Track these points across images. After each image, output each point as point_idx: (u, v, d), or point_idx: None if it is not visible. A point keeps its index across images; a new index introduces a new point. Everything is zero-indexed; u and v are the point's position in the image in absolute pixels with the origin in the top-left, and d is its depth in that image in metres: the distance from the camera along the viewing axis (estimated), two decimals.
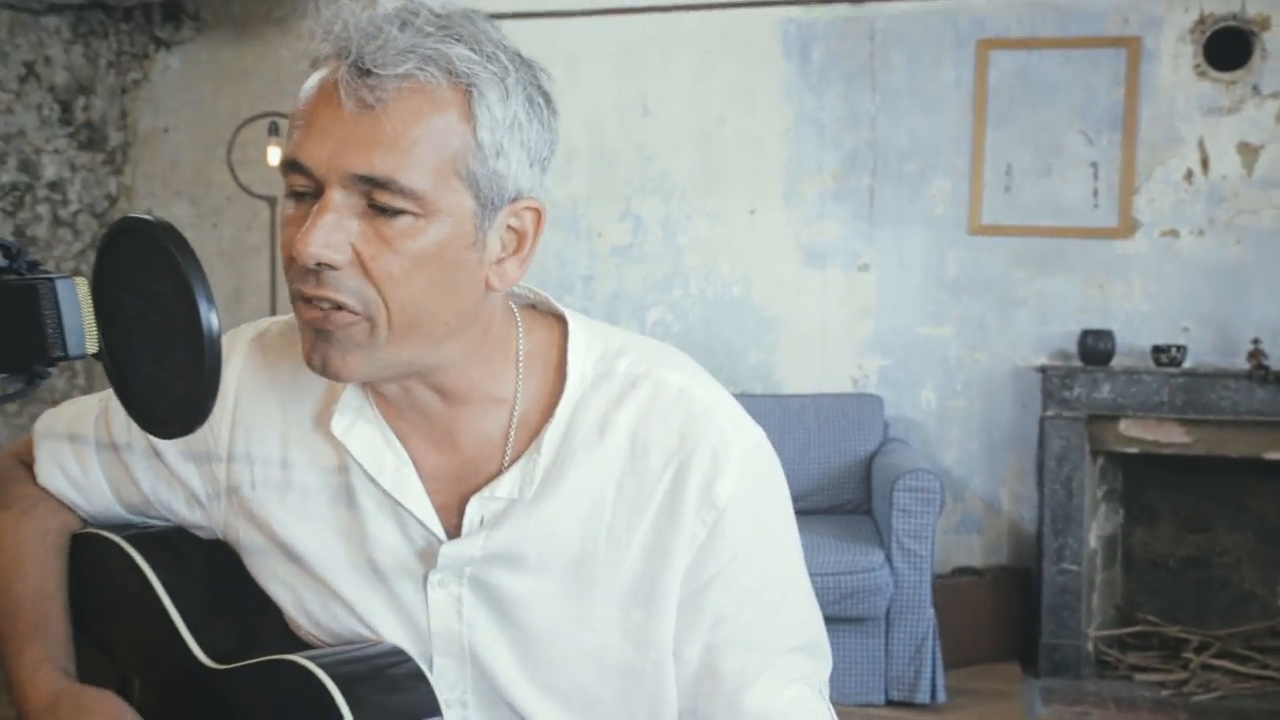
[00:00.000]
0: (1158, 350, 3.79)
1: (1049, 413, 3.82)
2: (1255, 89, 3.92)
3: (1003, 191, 4.12)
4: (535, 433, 1.01)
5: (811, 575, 3.80)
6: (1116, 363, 3.87)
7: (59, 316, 0.68)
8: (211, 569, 1.12)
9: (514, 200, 0.95)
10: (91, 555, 1.15)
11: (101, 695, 1.05)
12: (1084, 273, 4.05)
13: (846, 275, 4.28)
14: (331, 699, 0.94)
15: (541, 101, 0.96)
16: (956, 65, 4.16)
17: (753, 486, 1.02)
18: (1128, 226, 4.01)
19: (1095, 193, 4.04)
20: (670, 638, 1.02)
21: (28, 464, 1.18)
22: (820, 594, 3.74)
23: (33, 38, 4.83)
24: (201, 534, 1.14)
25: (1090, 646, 3.83)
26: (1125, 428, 3.79)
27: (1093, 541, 3.90)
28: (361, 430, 1.02)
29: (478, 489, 1.02)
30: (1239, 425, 3.69)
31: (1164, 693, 3.62)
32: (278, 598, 1.10)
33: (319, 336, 0.93)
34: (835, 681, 3.61)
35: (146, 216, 0.71)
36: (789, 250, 4.34)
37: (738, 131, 4.37)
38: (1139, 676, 3.75)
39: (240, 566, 1.11)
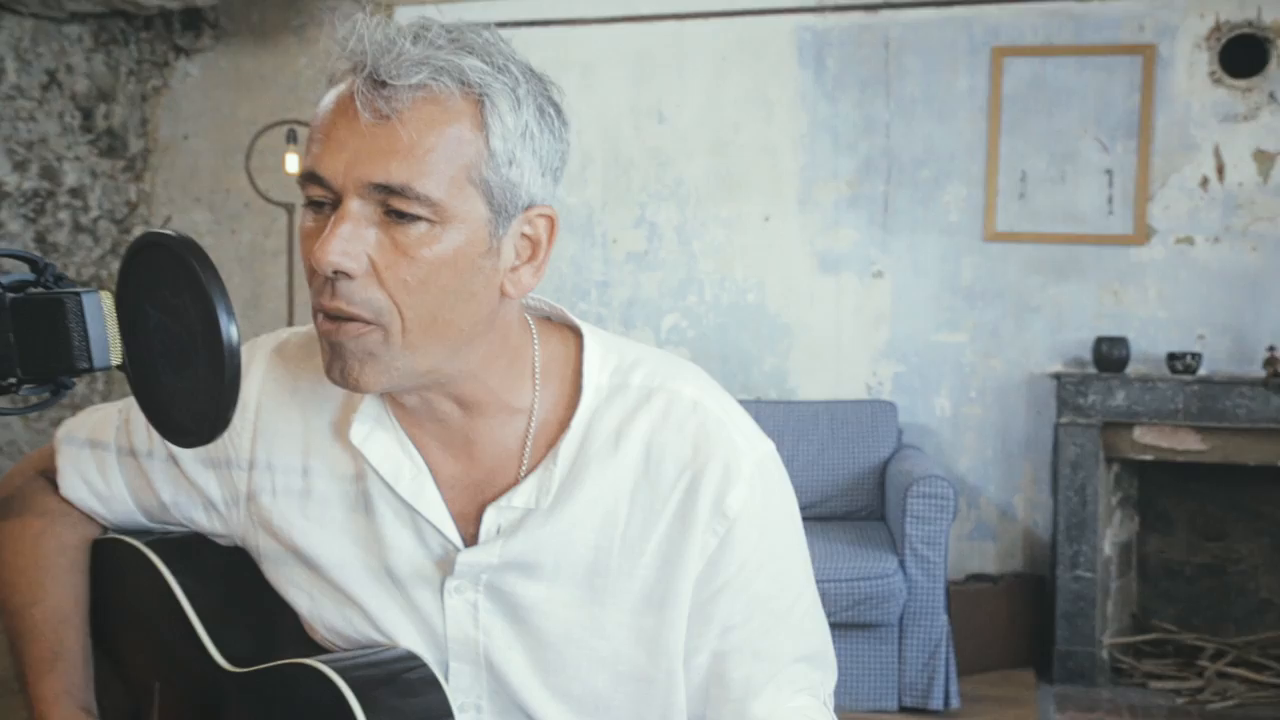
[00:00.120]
0: (1173, 357, 3.79)
1: (1063, 420, 3.82)
2: (1271, 96, 3.91)
3: (1017, 198, 4.12)
4: (551, 443, 1.03)
5: (825, 581, 3.80)
6: (1131, 370, 3.87)
7: (84, 329, 0.70)
8: (230, 574, 1.14)
9: (527, 208, 0.97)
10: (113, 560, 1.17)
11: None
12: (1099, 280, 4.05)
13: (861, 282, 4.29)
14: (346, 703, 0.95)
15: (552, 112, 0.98)
16: (971, 72, 4.16)
17: (763, 498, 1.04)
18: (1143, 233, 4.01)
19: (1110, 200, 4.04)
20: (681, 645, 1.04)
21: (48, 474, 1.20)
22: (834, 600, 3.73)
23: (55, 46, 4.88)
24: (220, 541, 1.16)
25: (1105, 654, 3.82)
26: (1140, 435, 3.78)
27: (1107, 548, 3.90)
28: (380, 439, 1.04)
29: (494, 498, 1.03)
30: (1255, 433, 3.68)
31: (1179, 700, 3.61)
32: (295, 603, 1.11)
33: (336, 349, 0.95)
34: (849, 687, 3.59)
35: (168, 232, 0.73)
36: (804, 257, 4.35)
37: (752, 138, 4.39)
38: (1154, 684, 3.74)
39: (258, 572, 1.13)
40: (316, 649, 1.11)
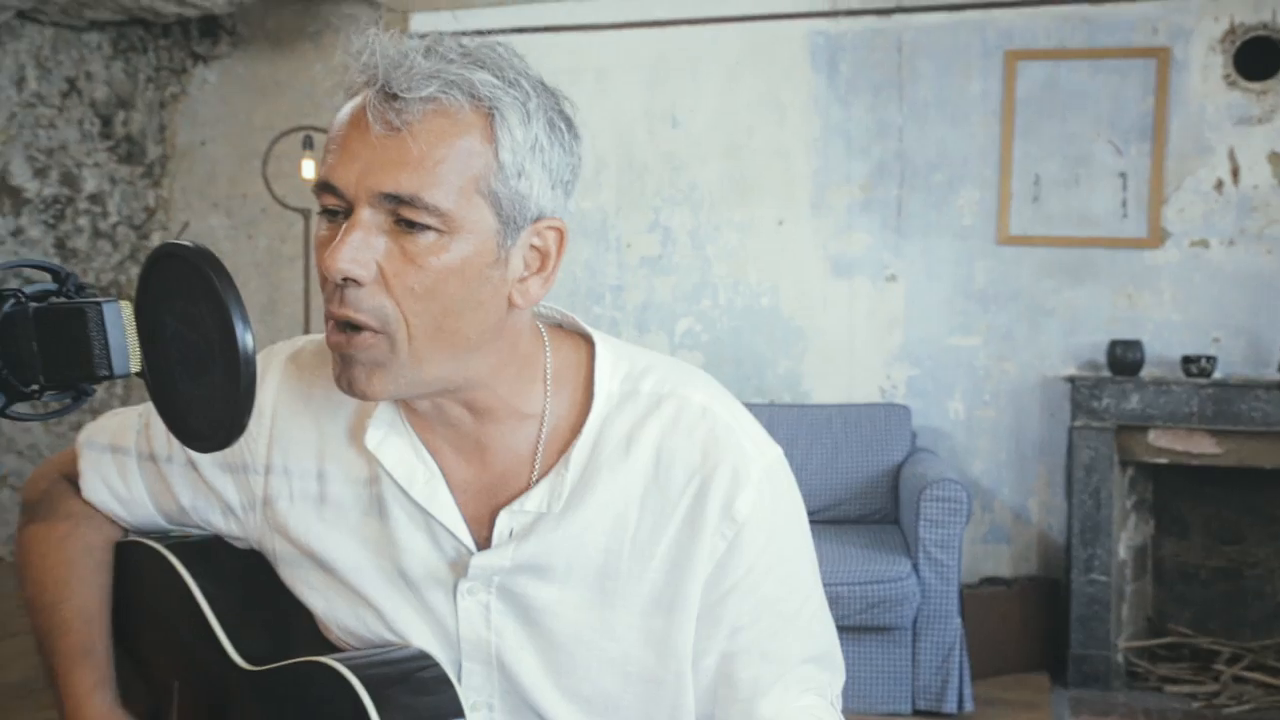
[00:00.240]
0: (1187, 361, 3.78)
1: (1077, 423, 3.82)
2: None
3: (1031, 202, 4.12)
4: (563, 449, 1.05)
5: (839, 584, 3.81)
6: (1145, 373, 3.86)
7: (105, 337, 0.72)
8: (247, 576, 1.17)
9: (536, 220, 0.99)
10: (135, 562, 1.20)
11: None
12: (1113, 283, 4.05)
13: (874, 285, 4.30)
14: (360, 700, 0.97)
15: (563, 126, 1.00)
16: (984, 76, 4.17)
17: (771, 502, 1.06)
18: (1157, 236, 4.00)
19: (1124, 203, 4.04)
20: (690, 647, 1.06)
21: (70, 478, 1.23)
22: (847, 603, 3.74)
23: (74, 54, 4.94)
24: (237, 544, 1.19)
25: (1120, 657, 3.82)
26: (1154, 438, 3.78)
27: (1122, 552, 3.89)
28: (393, 444, 1.06)
29: (506, 502, 1.05)
30: (1270, 436, 3.67)
31: (1195, 705, 3.60)
32: (310, 605, 1.14)
33: (345, 360, 0.97)
34: (862, 690, 3.60)
35: (185, 243, 0.75)
36: (817, 261, 4.36)
37: (766, 143, 4.40)
38: (1169, 688, 3.73)
39: (274, 574, 1.15)
40: (331, 649, 1.13)
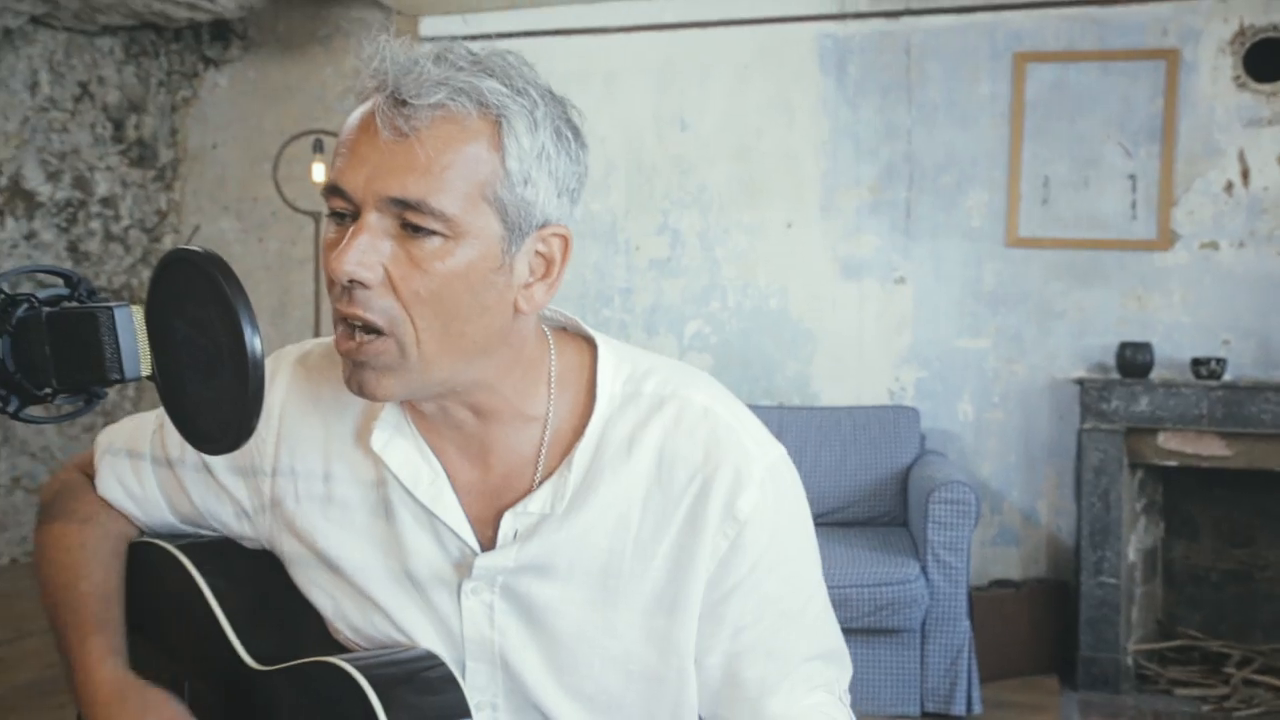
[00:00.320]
0: (1197, 363, 3.77)
1: (1087, 425, 3.81)
2: None
3: (1040, 204, 4.12)
4: (566, 450, 1.06)
5: (847, 587, 3.81)
6: (1155, 375, 3.86)
7: (116, 341, 0.74)
8: (257, 577, 1.18)
9: (542, 226, 1.00)
10: (147, 562, 1.21)
11: (165, 695, 1.10)
12: (1122, 285, 4.04)
13: (883, 287, 4.30)
14: (367, 699, 0.99)
15: (570, 134, 1.01)
16: (993, 78, 4.17)
17: (774, 501, 1.06)
18: (1166, 239, 4.00)
19: (1133, 205, 4.03)
20: (692, 645, 1.07)
21: (90, 476, 1.25)
22: (856, 605, 3.74)
23: (87, 58, 4.97)
24: (248, 544, 1.20)
25: (1130, 660, 3.81)
26: (1164, 440, 3.77)
27: (1132, 554, 3.88)
28: (399, 446, 1.07)
29: (511, 503, 1.07)
30: None
31: (1205, 708, 3.59)
32: (319, 605, 1.15)
33: (356, 365, 0.98)
34: (871, 692, 3.60)
35: (195, 248, 0.77)
36: (826, 263, 4.36)
37: (775, 145, 4.41)
38: (1179, 691, 3.72)
39: (284, 574, 1.17)
40: (339, 648, 1.14)
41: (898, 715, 3.44)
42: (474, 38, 4.88)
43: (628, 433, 1.06)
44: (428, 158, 0.93)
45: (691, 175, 4.50)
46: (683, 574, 1.05)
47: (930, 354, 4.24)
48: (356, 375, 0.98)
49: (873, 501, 3.98)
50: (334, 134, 4.51)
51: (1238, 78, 3.94)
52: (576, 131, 1.02)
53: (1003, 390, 4.17)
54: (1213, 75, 3.96)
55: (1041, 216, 4.12)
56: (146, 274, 5.19)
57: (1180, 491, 4.01)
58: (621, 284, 4.58)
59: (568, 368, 1.08)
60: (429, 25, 4.73)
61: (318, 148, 4.47)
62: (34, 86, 4.81)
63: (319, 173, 4.48)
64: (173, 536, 1.22)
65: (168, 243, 5.28)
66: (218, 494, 1.18)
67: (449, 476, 1.08)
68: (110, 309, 0.74)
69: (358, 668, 1.01)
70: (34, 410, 0.78)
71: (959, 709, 3.42)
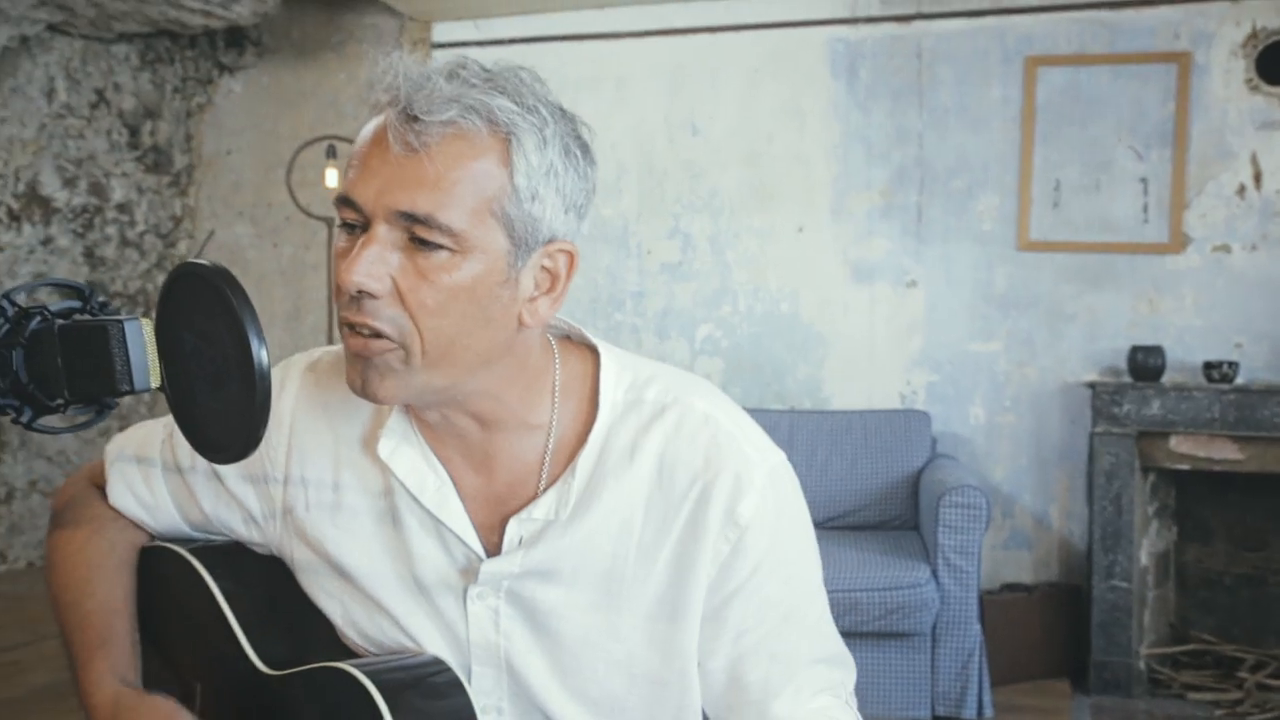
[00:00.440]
0: (1209, 366, 3.76)
1: (1098, 429, 3.81)
2: None
3: (1051, 207, 4.12)
4: (569, 458, 1.08)
5: (858, 590, 3.80)
6: (1167, 379, 3.85)
7: (126, 354, 0.75)
8: (268, 582, 1.20)
9: (548, 242, 1.01)
10: (159, 567, 1.23)
11: (157, 699, 1.12)
12: (1134, 288, 4.04)
13: (894, 291, 4.30)
14: (375, 704, 1.00)
15: (578, 152, 1.02)
16: (1004, 82, 4.17)
17: (775, 506, 1.08)
18: (1179, 242, 3.99)
19: (1145, 208, 4.03)
20: (694, 648, 1.08)
21: (98, 487, 1.26)
22: (866, 609, 3.73)
23: (103, 65, 5.01)
24: (258, 550, 1.22)
25: (1142, 664, 3.80)
26: (1176, 444, 3.76)
27: (1144, 558, 3.88)
28: (405, 453, 1.09)
29: (515, 510, 1.08)
30: None
31: (1218, 712, 3.59)
32: (328, 610, 1.17)
33: (361, 363, 1.00)
34: (881, 696, 3.59)
35: (203, 262, 0.78)
36: (837, 267, 4.37)
37: (786, 149, 4.42)
38: (1192, 695, 3.71)
39: (294, 580, 1.19)
40: (348, 653, 1.16)
41: (908, 719, 3.44)
42: (485, 44, 4.91)
43: (630, 439, 1.07)
44: (437, 173, 0.95)
45: (702, 179, 4.51)
46: (684, 578, 1.07)
47: (941, 357, 4.24)
48: (361, 374, 1.00)
49: (884, 505, 3.98)
50: (347, 140, 4.54)
51: (1250, 80, 3.94)
52: (585, 149, 1.03)
53: (1014, 394, 4.17)
54: (1225, 78, 3.96)
55: (1053, 220, 4.12)
56: (162, 279, 5.22)
57: (1193, 495, 4.00)
58: (633, 288, 4.60)
59: (571, 376, 1.10)
60: (441, 31, 4.75)
61: (331, 153, 4.50)
62: (51, 93, 4.85)
63: (332, 178, 4.51)
64: (185, 541, 1.23)
65: (183, 248, 5.32)
66: (228, 501, 1.19)
67: (454, 483, 1.09)
68: (120, 322, 0.75)
69: (366, 673, 1.03)
70: (47, 420, 0.79)
71: (970, 713, 3.42)
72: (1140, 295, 4.03)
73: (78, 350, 0.76)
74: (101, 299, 0.78)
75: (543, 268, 1.02)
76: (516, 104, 0.98)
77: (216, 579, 1.18)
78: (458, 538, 1.09)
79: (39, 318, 0.77)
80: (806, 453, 4.03)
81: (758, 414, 4.16)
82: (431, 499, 1.08)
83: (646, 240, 4.58)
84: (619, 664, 1.09)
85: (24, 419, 0.78)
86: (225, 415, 0.77)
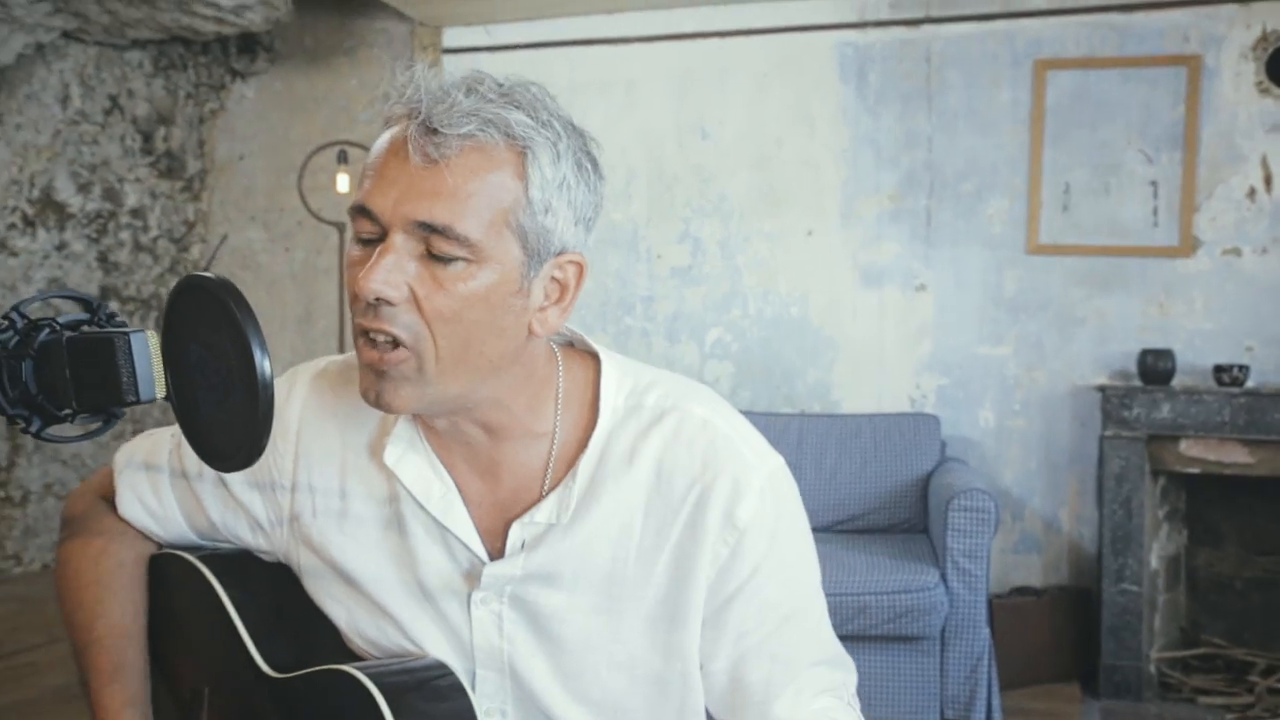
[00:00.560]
0: (1220, 370, 3.76)
1: (1108, 432, 3.80)
2: None
3: (1061, 211, 4.12)
4: (571, 463, 1.10)
5: (866, 594, 3.81)
6: (1177, 382, 3.84)
7: (132, 365, 0.77)
8: (275, 588, 1.22)
9: (559, 254, 1.03)
10: (169, 573, 1.25)
11: None
12: (1144, 292, 4.03)
13: (904, 295, 4.30)
14: (377, 706, 1.02)
15: (589, 166, 1.04)
16: (1014, 86, 4.17)
17: (773, 509, 1.09)
18: (1188, 245, 3.98)
19: (1155, 211, 4.02)
20: (695, 650, 1.10)
21: (107, 496, 1.28)
22: (875, 613, 3.74)
23: (117, 72, 5.05)
24: (265, 557, 1.24)
25: (1153, 668, 3.80)
26: (1186, 448, 3.76)
27: (1154, 562, 3.87)
28: (411, 461, 1.11)
29: (518, 515, 1.10)
30: None
31: (1228, 716, 3.58)
32: (334, 616, 1.18)
33: (375, 375, 1.01)
34: (890, 700, 3.59)
35: (208, 274, 0.80)
36: (846, 270, 4.37)
37: (795, 153, 4.43)
38: (1203, 699, 3.70)
39: (300, 586, 1.20)
40: (354, 658, 1.18)
41: None
42: (496, 49, 4.92)
43: (629, 444, 1.09)
44: (455, 184, 0.97)
45: (712, 184, 4.52)
46: (684, 581, 1.08)
47: (951, 361, 4.24)
48: (375, 385, 1.01)
49: (893, 509, 3.98)
50: (358, 145, 4.57)
51: (1260, 83, 3.93)
52: (595, 163, 1.05)
53: (1024, 397, 4.16)
54: (1235, 81, 3.95)
55: (1062, 223, 4.12)
56: (175, 283, 5.26)
57: (1204, 499, 3.99)
58: (643, 292, 4.61)
59: (573, 384, 1.11)
60: (451, 36, 4.77)
61: (342, 159, 4.52)
62: (65, 100, 4.89)
63: (344, 183, 4.53)
64: (193, 548, 1.25)
65: (195, 253, 5.35)
66: (235, 509, 1.21)
67: (460, 490, 1.11)
68: (127, 334, 0.77)
69: (369, 675, 1.04)
70: (55, 429, 0.81)
71: (979, 717, 3.41)
72: (1150, 299, 4.03)
73: (85, 361, 0.78)
74: (109, 311, 0.80)
75: (553, 278, 1.04)
76: (532, 118, 1.00)
77: (224, 585, 1.20)
78: (462, 543, 1.10)
79: (48, 329, 0.79)
80: (816, 456, 4.03)
81: (767, 417, 4.18)
82: (437, 505, 1.10)
83: (656, 244, 4.59)
84: (621, 666, 1.10)
85: (33, 428, 0.80)
86: (230, 424, 0.79)
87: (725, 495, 1.07)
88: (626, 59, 4.58)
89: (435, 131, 0.97)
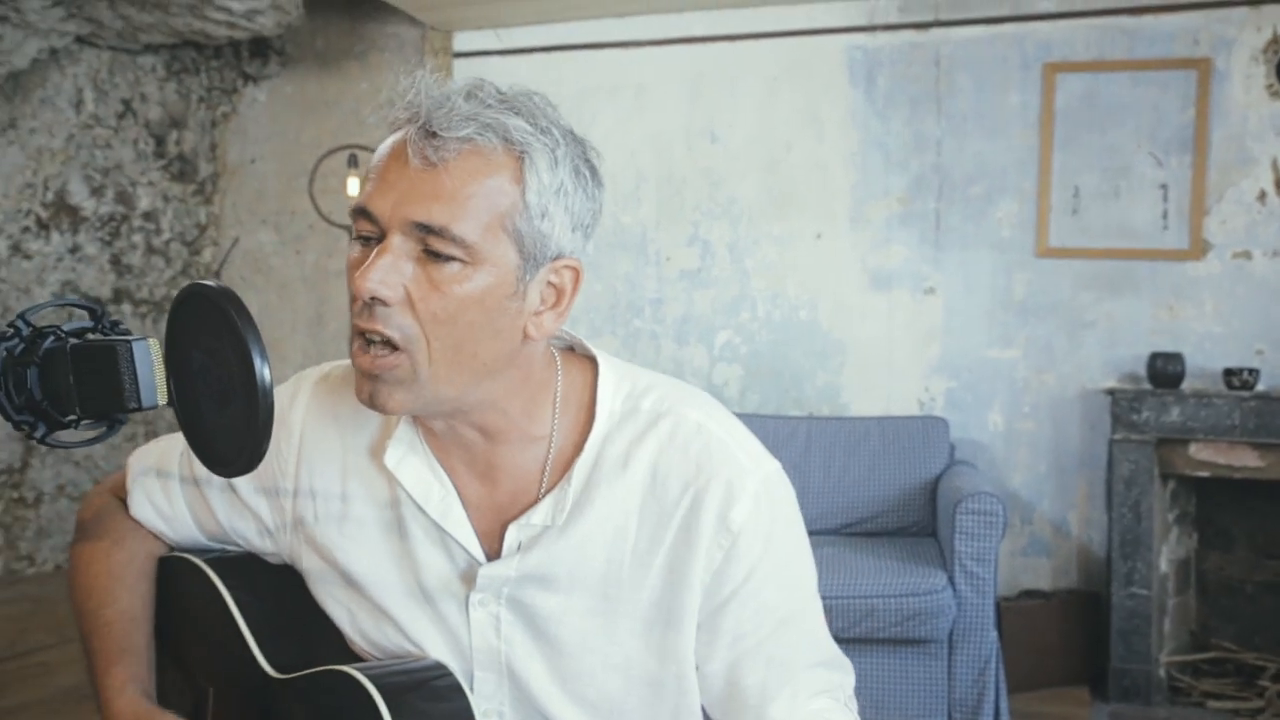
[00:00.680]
0: (1230, 373, 3.75)
1: (1117, 436, 3.80)
2: None
3: (1070, 214, 4.12)
4: (567, 466, 1.11)
5: (874, 596, 3.81)
6: (1186, 386, 3.84)
7: (134, 373, 0.79)
8: (278, 590, 1.23)
9: (555, 259, 1.05)
10: (176, 575, 1.27)
11: (170, 716, 1.15)
12: (1153, 295, 4.02)
13: (913, 298, 4.30)
14: (376, 706, 1.03)
15: (587, 173, 1.06)
16: (1023, 89, 4.16)
17: (768, 512, 1.10)
18: (1199, 248, 3.98)
19: (1165, 214, 4.01)
20: (690, 653, 1.11)
21: (120, 498, 1.31)
22: (883, 615, 3.74)
23: (130, 76, 5.08)
24: (270, 559, 1.26)
25: (1162, 672, 3.79)
26: (1195, 451, 3.75)
27: (1164, 565, 3.86)
28: (411, 463, 1.12)
29: (515, 517, 1.11)
30: None
31: None
32: (335, 617, 1.20)
33: (370, 378, 1.03)
34: (898, 703, 3.59)
35: (210, 283, 0.82)
36: (855, 274, 4.38)
37: (804, 157, 4.43)
38: (1212, 704, 3.70)
39: (303, 588, 1.22)
40: (356, 659, 1.19)
41: None
42: (507, 53, 4.93)
43: (624, 448, 1.10)
44: (453, 187, 0.98)
45: (721, 187, 4.53)
46: (679, 584, 1.09)
47: (960, 364, 4.24)
48: (369, 387, 1.03)
49: (901, 512, 3.98)
50: (369, 148, 4.59)
51: (1270, 86, 3.92)
52: (594, 171, 1.06)
53: (1033, 400, 4.16)
54: (1245, 84, 3.94)
55: (1072, 226, 4.12)
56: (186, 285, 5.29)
57: (1214, 502, 3.98)
58: (652, 295, 4.62)
59: (571, 387, 1.13)
60: (462, 40, 4.79)
61: (352, 162, 4.55)
62: (79, 104, 4.93)
63: (354, 187, 4.55)
64: (200, 551, 1.27)
65: (207, 255, 5.38)
66: (242, 513, 1.23)
67: (458, 492, 1.12)
68: (129, 342, 0.79)
69: (368, 676, 1.06)
70: (60, 435, 0.83)
71: None
72: (1160, 302, 4.02)
73: (89, 369, 0.79)
74: (113, 318, 0.81)
75: (549, 283, 1.05)
76: (531, 124, 1.01)
77: (229, 587, 1.22)
78: (460, 544, 1.12)
79: (52, 337, 0.80)
80: (824, 459, 4.03)
81: (776, 420, 4.18)
82: (436, 508, 1.11)
83: (665, 247, 4.60)
84: (616, 667, 1.11)
85: (38, 434, 0.81)
86: (231, 430, 0.80)
87: (719, 499, 1.08)
88: (636, 63, 4.59)
89: (434, 135, 0.99)
